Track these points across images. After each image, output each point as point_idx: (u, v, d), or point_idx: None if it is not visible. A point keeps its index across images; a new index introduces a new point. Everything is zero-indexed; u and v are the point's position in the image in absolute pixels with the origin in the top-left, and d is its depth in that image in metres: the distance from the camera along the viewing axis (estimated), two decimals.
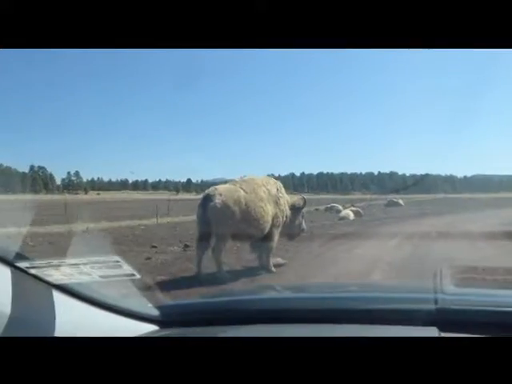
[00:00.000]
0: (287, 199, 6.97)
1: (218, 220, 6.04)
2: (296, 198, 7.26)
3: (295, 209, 7.06)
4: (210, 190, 6.25)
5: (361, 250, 8.42)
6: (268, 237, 6.54)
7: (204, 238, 6.13)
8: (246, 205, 6.19)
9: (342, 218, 17.99)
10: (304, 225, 7.44)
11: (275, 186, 6.83)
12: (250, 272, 6.46)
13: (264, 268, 6.48)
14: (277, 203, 6.65)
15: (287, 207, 6.88)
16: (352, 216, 18.72)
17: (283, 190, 6.99)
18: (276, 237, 6.68)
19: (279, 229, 6.74)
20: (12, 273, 0.99)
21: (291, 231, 7.16)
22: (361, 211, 20.65)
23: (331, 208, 23.67)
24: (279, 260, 6.98)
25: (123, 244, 8.95)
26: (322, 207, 25.61)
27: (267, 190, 6.60)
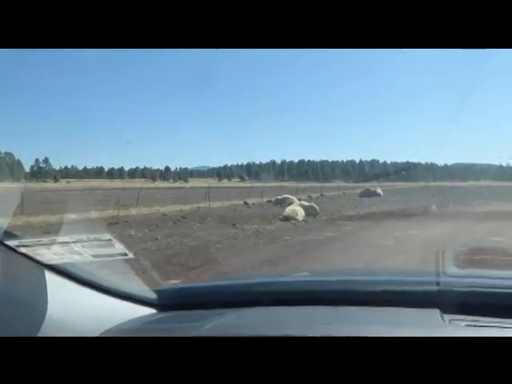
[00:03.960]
0: None
1: None
2: None
3: None
4: None
5: None
6: None
7: None
8: None
9: (286, 219, 12.94)
10: None
11: None
12: None
13: None
14: None
15: None
16: (301, 215, 13.62)
17: None
18: None
19: None
20: (1, 251, 0.98)
21: None
22: (315, 207, 15.24)
23: (283, 200, 18.78)
24: None
25: None
26: (277, 198, 21.18)
27: None
